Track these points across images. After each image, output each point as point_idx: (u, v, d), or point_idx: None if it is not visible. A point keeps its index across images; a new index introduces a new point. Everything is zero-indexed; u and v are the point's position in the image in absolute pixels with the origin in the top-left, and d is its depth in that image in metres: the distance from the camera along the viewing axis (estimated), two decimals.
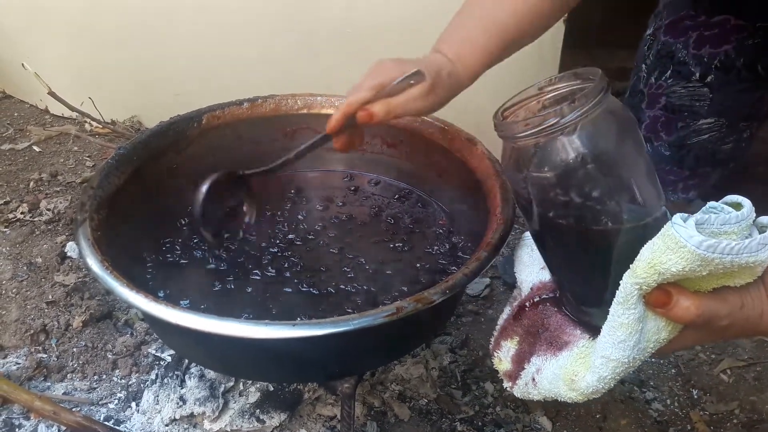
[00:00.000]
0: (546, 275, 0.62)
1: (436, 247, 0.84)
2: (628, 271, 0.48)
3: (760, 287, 0.48)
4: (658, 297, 0.47)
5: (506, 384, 0.61)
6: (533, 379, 0.57)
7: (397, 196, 0.94)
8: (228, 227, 0.84)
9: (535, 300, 0.61)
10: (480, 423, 0.90)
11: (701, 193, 1.04)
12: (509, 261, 1.19)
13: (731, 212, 0.46)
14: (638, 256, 0.47)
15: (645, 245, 0.47)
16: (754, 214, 0.46)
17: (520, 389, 0.59)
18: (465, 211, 0.87)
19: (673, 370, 0.99)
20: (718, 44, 0.87)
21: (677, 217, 0.45)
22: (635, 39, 1.07)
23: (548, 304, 0.60)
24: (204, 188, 0.76)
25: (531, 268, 0.64)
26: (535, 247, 0.63)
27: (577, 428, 0.90)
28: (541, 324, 0.59)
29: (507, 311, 0.64)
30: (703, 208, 0.48)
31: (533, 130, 0.48)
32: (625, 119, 0.49)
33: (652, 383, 0.97)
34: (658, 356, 0.53)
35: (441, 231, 0.86)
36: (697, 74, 0.90)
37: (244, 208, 0.84)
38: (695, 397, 0.95)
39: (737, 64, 0.88)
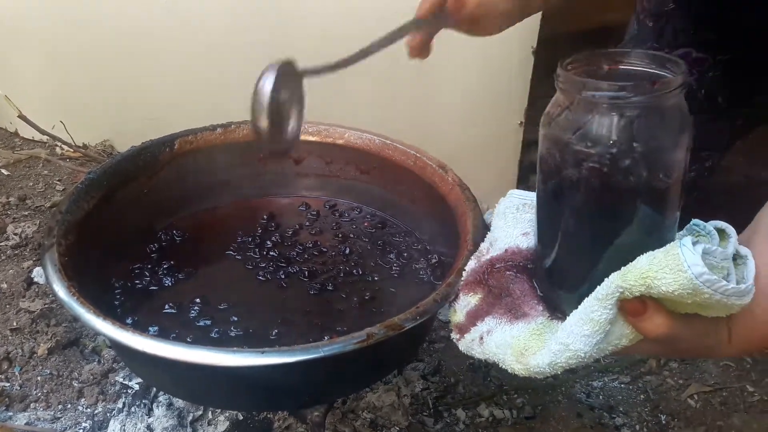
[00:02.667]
0: (525, 242, 0.61)
1: (407, 273, 0.84)
2: (618, 272, 0.47)
3: (724, 321, 0.49)
4: (635, 306, 0.48)
5: (453, 336, 0.60)
6: (481, 338, 0.57)
7: (369, 222, 0.94)
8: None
9: (508, 263, 0.60)
10: None
11: None
12: None
13: (716, 241, 0.47)
14: (634, 262, 0.47)
15: (645, 254, 0.47)
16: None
17: (465, 343, 0.59)
18: (436, 236, 0.87)
19: (641, 396, 1.00)
20: None
21: (687, 240, 0.45)
22: None
23: (517, 271, 0.59)
24: (272, 74, 0.61)
25: (512, 230, 0.62)
26: (522, 209, 0.62)
27: None
28: (505, 288, 0.58)
29: (472, 264, 0.63)
30: (688, 226, 0.49)
31: (600, 94, 0.46)
32: (687, 123, 0.48)
33: (621, 409, 0.97)
34: (609, 356, 0.54)
35: (413, 257, 0.87)
36: None
37: (291, 112, 0.67)
38: (663, 422, 0.96)
39: (699, 96, 0.91)
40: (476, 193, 0.82)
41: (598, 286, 0.49)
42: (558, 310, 0.55)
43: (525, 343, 0.54)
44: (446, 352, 1.07)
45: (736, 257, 0.48)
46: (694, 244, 0.45)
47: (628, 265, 0.47)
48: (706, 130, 0.94)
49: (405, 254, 0.87)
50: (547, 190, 0.53)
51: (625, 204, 0.49)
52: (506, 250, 0.62)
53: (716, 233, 0.49)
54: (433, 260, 0.85)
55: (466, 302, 0.61)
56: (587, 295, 0.50)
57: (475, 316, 0.59)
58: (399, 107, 1.28)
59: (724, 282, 0.44)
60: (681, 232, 0.51)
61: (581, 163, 0.48)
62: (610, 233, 0.50)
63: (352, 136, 0.94)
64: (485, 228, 0.76)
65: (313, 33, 1.30)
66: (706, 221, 0.50)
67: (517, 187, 1.36)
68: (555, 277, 0.56)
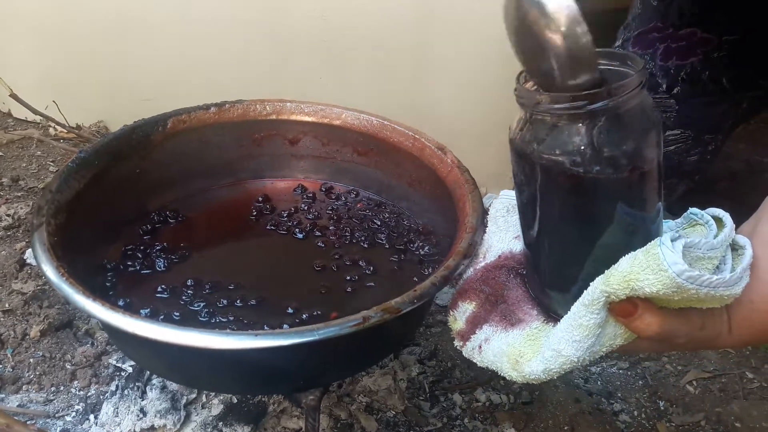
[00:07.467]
0: (517, 246, 0.60)
1: (405, 256, 0.83)
2: (601, 277, 0.47)
3: (723, 311, 0.48)
4: (624, 307, 0.47)
5: (457, 343, 0.60)
6: (480, 347, 0.57)
7: (366, 205, 0.93)
8: None
9: (501, 269, 0.60)
10: None
11: (667, 204, 1.05)
12: None
13: (713, 231, 0.46)
14: (616, 265, 0.46)
15: (626, 256, 0.46)
16: (734, 233, 0.46)
17: (467, 351, 0.59)
18: (434, 219, 0.86)
19: (640, 382, 0.99)
20: (685, 56, 0.89)
21: (666, 238, 0.44)
22: None
23: (512, 276, 0.59)
24: None
25: (504, 234, 0.62)
26: (512, 211, 0.61)
27: None
28: (500, 294, 0.58)
29: (468, 272, 0.63)
30: (685, 214, 0.48)
31: (557, 107, 0.45)
32: (653, 120, 0.47)
33: (619, 395, 0.97)
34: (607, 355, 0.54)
35: (410, 240, 0.85)
36: (664, 86, 0.91)
37: None
38: (662, 408, 0.95)
39: (703, 77, 0.89)
40: (475, 177, 0.80)
41: (585, 291, 0.48)
42: (552, 312, 0.54)
43: (520, 350, 0.53)
44: (443, 336, 1.06)
45: (737, 246, 0.47)
46: (674, 240, 0.44)
47: (611, 269, 0.46)
48: (709, 113, 0.93)
49: (402, 237, 0.86)
50: (523, 200, 0.53)
51: (598, 207, 0.48)
52: (500, 256, 0.61)
53: (714, 222, 0.47)
54: (431, 243, 0.84)
55: (464, 309, 0.60)
56: (579, 296, 0.49)
57: (473, 323, 0.58)
58: (397, 88, 1.26)
59: (708, 275, 0.43)
60: (678, 220, 0.50)
61: (548, 173, 0.47)
62: (591, 235, 0.49)
63: (349, 116, 0.92)
64: (484, 211, 0.75)
65: (308, 13, 1.27)
66: (703, 209, 0.49)
67: None
68: (544, 279, 0.56)
